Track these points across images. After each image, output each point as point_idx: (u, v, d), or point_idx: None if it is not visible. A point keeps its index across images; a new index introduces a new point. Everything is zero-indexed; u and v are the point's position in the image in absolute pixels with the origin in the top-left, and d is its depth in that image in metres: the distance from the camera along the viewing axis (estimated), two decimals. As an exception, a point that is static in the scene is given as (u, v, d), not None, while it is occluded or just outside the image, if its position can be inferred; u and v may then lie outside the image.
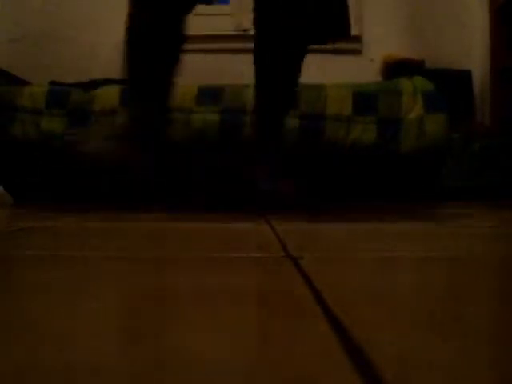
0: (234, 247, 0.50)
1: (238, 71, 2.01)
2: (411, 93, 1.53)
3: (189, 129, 1.52)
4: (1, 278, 0.35)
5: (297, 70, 1.16)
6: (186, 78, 1.95)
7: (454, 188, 1.59)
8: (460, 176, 1.61)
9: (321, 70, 2.05)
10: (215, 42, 2.10)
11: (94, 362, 0.18)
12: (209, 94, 1.55)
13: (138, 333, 0.22)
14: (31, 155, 1.53)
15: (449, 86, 1.81)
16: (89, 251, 0.47)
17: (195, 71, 2.05)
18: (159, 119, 1.12)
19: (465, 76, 2.00)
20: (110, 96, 1.56)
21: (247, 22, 2.13)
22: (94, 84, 1.66)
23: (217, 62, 2.10)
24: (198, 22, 2.17)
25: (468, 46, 2.12)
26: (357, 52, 2.19)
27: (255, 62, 1.16)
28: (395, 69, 1.91)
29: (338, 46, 1.11)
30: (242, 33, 2.11)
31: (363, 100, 1.52)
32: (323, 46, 1.94)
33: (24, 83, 1.69)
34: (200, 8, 2.41)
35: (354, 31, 2.20)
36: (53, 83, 1.75)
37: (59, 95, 1.57)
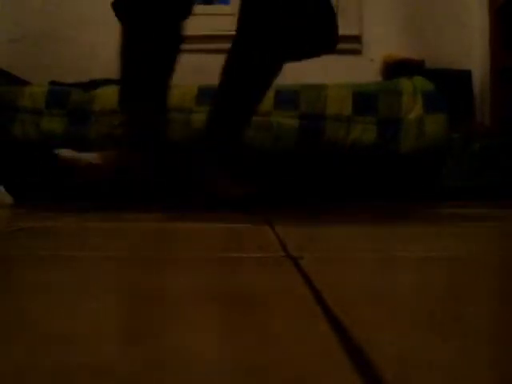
0: (234, 247, 0.50)
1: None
2: (411, 93, 1.53)
3: (189, 129, 1.52)
4: (1, 278, 0.35)
5: (268, 80, 1.14)
6: (186, 78, 1.95)
7: (453, 188, 1.59)
8: (460, 176, 1.61)
9: (321, 70, 2.05)
10: (215, 42, 2.10)
11: (94, 362, 0.18)
12: (209, 94, 1.55)
13: (138, 333, 0.22)
14: (31, 155, 1.53)
15: (449, 86, 1.81)
16: (89, 251, 0.47)
17: (195, 71, 2.05)
18: (157, 119, 1.11)
19: (465, 76, 1.99)
20: (110, 96, 1.56)
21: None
22: (94, 84, 1.66)
23: (217, 62, 2.10)
24: (198, 22, 2.17)
25: (468, 46, 2.12)
26: (357, 52, 2.19)
27: (227, 62, 1.15)
28: (395, 69, 1.90)
29: (337, 46, 1.11)
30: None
31: (363, 100, 1.52)
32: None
33: (24, 83, 1.69)
34: (200, 8, 2.41)
35: (354, 31, 2.20)
36: (53, 83, 1.75)
37: (59, 95, 1.57)
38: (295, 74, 2.09)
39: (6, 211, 1.09)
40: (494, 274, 0.37)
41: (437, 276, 0.35)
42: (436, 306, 0.26)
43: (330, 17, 1.02)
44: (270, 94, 1.57)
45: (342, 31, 1.12)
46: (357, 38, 2.20)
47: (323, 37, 1.04)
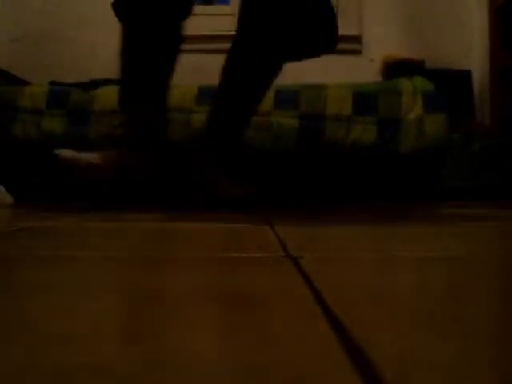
0: (233, 247, 0.50)
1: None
2: (411, 93, 1.53)
3: (189, 129, 1.52)
4: (1, 278, 0.35)
5: (268, 80, 1.13)
6: (186, 78, 1.95)
7: (453, 188, 1.59)
8: (460, 176, 1.61)
9: (321, 70, 2.05)
10: (215, 42, 2.10)
11: (94, 362, 0.18)
12: (209, 94, 1.55)
13: (138, 333, 0.22)
14: (32, 155, 1.53)
15: (448, 86, 1.81)
16: (89, 251, 0.47)
17: (195, 71, 2.05)
18: (157, 119, 1.11)
19: (464, 76, 2.00)
20: (110, 96, 1.56)
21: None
22: (94, 84, 1.66)
23: (217, 62, 2.10)
24: (199, 22, 2.17)
25: (468, 46, 2.13)
26: (357, 52, 2.19)
27: (227, 62, 1.15)
28: (395, 69, 1.90)
29: (337, 46, 1.11)
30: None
31: (363, 100, 1.52)
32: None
33: (24, 83, 1.69)
34: (200, 8, 2.41)
35: (354, 31, 2.20)
36: (53, 83, 1.75)
37: (59, 95, 1.57)
38: (295, 74, 2.09)
39: (6, 211, 1.09)
40: (494, 274, 0.37)
41: (437, 276, 0.35)
42: (436, 305, 0.26)
43: (329, 17, 1.02)
44: (270, 94, 1.57)
45: (341, 31, 1.12)
46: (357, 38, 2.20)
47: (323, 37, 1.04)
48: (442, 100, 1.51)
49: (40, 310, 0.26)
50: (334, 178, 1.51)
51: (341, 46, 1.13)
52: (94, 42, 2.14)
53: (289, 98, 1.56)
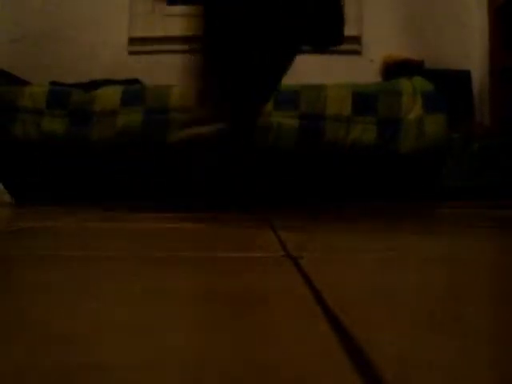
0: (233, 247, 0.50)
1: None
2: (411, 93, 1.53)
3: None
4: (1, 278, 0.35)
5: (273, 78, 1.12)
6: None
7: (453, 188, 1.59)
8: (460, 176, 1.61)
9: (321, 70, 2.05)
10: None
11: (94, 362, 0.18)
12: (209, 95, 1.55)
13: (138, 333, 0.22)
14: (32, 155, 1.54)
15: (448, 86, 1.81)
16: (89, 251, 0.47)
17: (195, 71, 2.05)
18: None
19: (464, 76, 2.00)
20: (110, 96, 1.57)
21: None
22: (95, 84, 1.66)
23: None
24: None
25: (467, 47, 2.13)
26: (357, 52, 2.19)
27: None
28: (395, 69, 1.91)
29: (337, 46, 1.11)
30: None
31: (363, 100, 1.52)
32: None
33: (24, 83, 1.69)
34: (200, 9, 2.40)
35: (354, 31, 2.21)
36: (53, 83, 1.75)
37: (60, 95, 1.57)
38: (295, 74, 2.09)
39: (5, 211, 1.09)
40: (494, 274, 0.37)
41: (437, 276, 0.35)
42: (436, 305, 0.26)
43: (337, 10, 1.02)
44: (270, 94, 1.57)
45: (341, 31, 1.11)
46: (357, 39, 2.20)
47: (331, 30, 1.04)
48: (442, 100, 1.51)
49: (40, 309, 0.26)
50: (334, 178, 1.52)
51: (341, 46, 1.13)
52: (94, 42, 2.14)
53: (289, 98, 1.56)
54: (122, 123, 1.53)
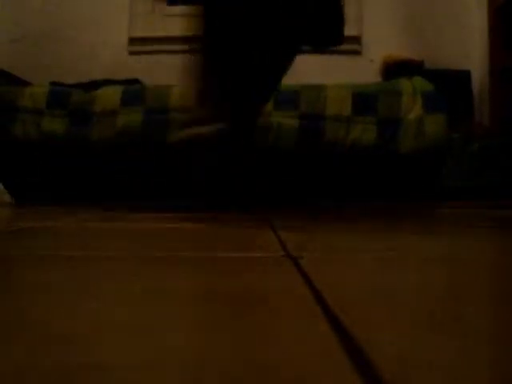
0: (233, 247, 0.50)
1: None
2: (411, 93, 1.53)
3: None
4: (1, 277, 0.35)
5: (274, 77, 1.11)
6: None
7: (454, 188, 1.60)
8: (460, 176, 1.61)
9: (321, 70, 2.06)
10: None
11: (94, 362, 0.18)
12: (209, 95, 1.55)
13: (138, 332, 0.22)
14: (32, 155, 1.54)
15: (448, 86, 1.81)
16: (89, 251, 0.47)
17: (195, 71, 2.05)
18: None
19: (464, 76, 2.00)
20: (110, 97, 1.57)
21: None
22: (95, 84, 1.66)
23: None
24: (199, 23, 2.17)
25: (467, 47, 2.13)
26: (357, 53, 2.20)
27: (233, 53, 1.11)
28: (395, 69, 1.91)
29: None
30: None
31: (363, 100, 1.52)
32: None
33: (24, 83, 1.69)
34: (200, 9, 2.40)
35: (354, 31, 2.21)
36: (53, 83, 1.75)
37: (60, 96, 1.57)
38: (295, 74, 2.09)
39: (6, 211, 1.09)
40: (494, 274, 0.37)
41: (437, 276, 0.35)
42: (436, 305, 0.26)
43: (337, 10, 1.02)
44: (270, 94, 1.57)
45: (341, 31, 1.12)
46: (356, 39, 2.20)
47: (331, 29, 1.04)
48: (442, 100, 1.51)
49: (40, 309, 0.26)
50: (334, 178, 1.52)
51: (340, 46, 1.13)
52: (94, 42, 2.14)
53: (289, 98, 1.56)
54: (122, 123, 1.53)
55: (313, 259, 0.42)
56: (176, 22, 2.21)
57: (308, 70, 2.13)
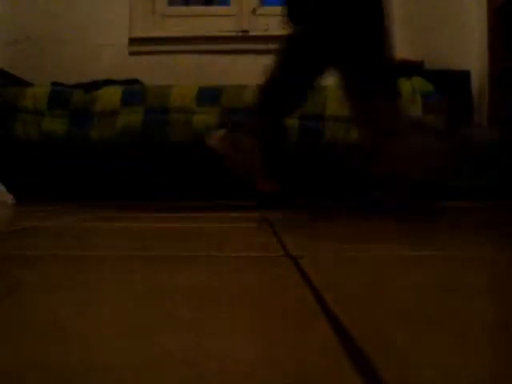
0: (234, 247, 0.50)
1: (238, 72, 2.02)
2: (410, 93, 1.53)
3: (189, 129, 1.52)
4: (1, 277, 0.35)
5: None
6: (186, 78, 1.95)
7: (454, 188, 1.59)
8: (460, 176, 1.61)
9: (320, 70, 2.05)
10: (216, 43, 2.10)
11: (94, 362, 0.18)
12: (209, 95, 1.56)
13: (139, 332, 0.22)
14: (32, 155, 1.54)
15: (447, 86, 1.81)
16: (89, 251, 0.47)
17: (195, 71, 2.06)
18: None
19: (463, 76, 2.00)
20: (111, 97, 1.57)
21: (247, 23, 2.13)
22: (96, 85, 1.67)
23: (217, 63, 2.10)
24: (199, 23, 2.18)
25: (467, 47, 2.13)
26: (356, 52, 2.19)
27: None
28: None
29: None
30: (242, 34, 2.11)
31: (363, 100, 1.52)
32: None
33: (26, 84, 1.70)
34: (200, 9, 2.41)
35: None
36: (54, 84, 1.76)
37: (61, 96, 1.57)
38: (295, 74, 2.08)
39: (8, 211, 1.09)
40: (494, 274, 0.38)
41: (437, 276, 0.35)
42: (435, 305, 0.27)
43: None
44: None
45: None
46: (356, 39, 2.19)
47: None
48: (441, 100, 1.51)
49: (40, 309, 0.26)
50: (334, 178, 1.52)
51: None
52: (95, 43, 2.14)
53: (289, 99, 1.56)
54: (123, 123, 1.53)
55: (313, 259, 0.42)
56: (176, 23, 2.21)
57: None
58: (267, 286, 0.32)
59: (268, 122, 1.14)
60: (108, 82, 1.69)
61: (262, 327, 0.23)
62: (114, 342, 0.21)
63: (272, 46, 2.10)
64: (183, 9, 2.33)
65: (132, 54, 2.20)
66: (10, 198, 1.39)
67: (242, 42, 2.08)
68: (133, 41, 2.20)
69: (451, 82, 1.94)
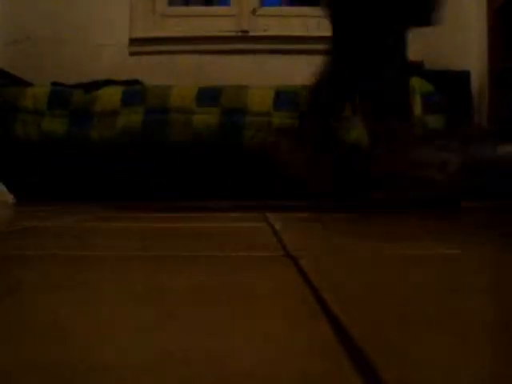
0: (234, 247, 0.50)
1: (238, 72, 2.02)
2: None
3: (189, 129, 1.52)
4: (1, 277, 0.35)
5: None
6: (186, 78, 1.95)
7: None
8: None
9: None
10: (216, 43, 2.10)
11: (94, 361, 0.18)
12: (209, 95, 1.56)
13: (139, 332, 0.22)
14: (32, 155, 1.54)
15: (447, 86, 1.81)
16: (89, 251, 0.47)
17: (195, 71, 2.06)
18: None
19: (463, 77, 2.00)
20: (111, 97, 1.57)
21: (247, 23, 2.13)
22: (96, 85, 1.67)
23: (217, 63, 2.10)
24: (199, 23, 2.18)
25: (466, 47, 2.13)
26: (356, 53, 2.19)
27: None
28: (395, 69, 1.90)
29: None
30: (241, 34, 2.11)
31: (363, 101, 1.52)
32: (321, 47, 1.94)
33: (26, 84, 1.70)
34: (200, 9, 2.41)
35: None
36: (54, 84, 1.76)
37: (61, 96, 1.57)
38: (295, 74, 2.09)
39: (8, 211, 1.10)
40: (494, 274, 0.38)
41: (437, 275, 0.35)
42: (436, 305, 0.27)
43: None
44: (270, 94, 1.57)
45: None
46: (356, 39, 2.19)
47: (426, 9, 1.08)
48: (441, 101, 1.51)
49: (40, 309, 0.26)
50: (334, 178, 1.52)
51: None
52: (96, 43, 2.14)
53: (289, 98, 1.56)
54: (123, 123, 1.53)
55: (313, 259, 0.42)
56: (176, 23, 2.21)
57: (308, 70, 2.12)
58: (267, 285, 0.32)
59: (318, 122, 1.14)
60: (108, 82, 1.69)
61: (262, 327, 0.23)
62: (114, 341, 0.21)
63: (272, 46, 2.10)
64: (183, 9, 2.33)
65: (132, 54, 2.20)
66: (10, 198, 1.39)
67: (241, 42, 2.08)
68: (133, 41, 2.20)
69: (451, 82, 1.94)
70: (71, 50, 2.17)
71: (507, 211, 1.09)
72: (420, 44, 2.14)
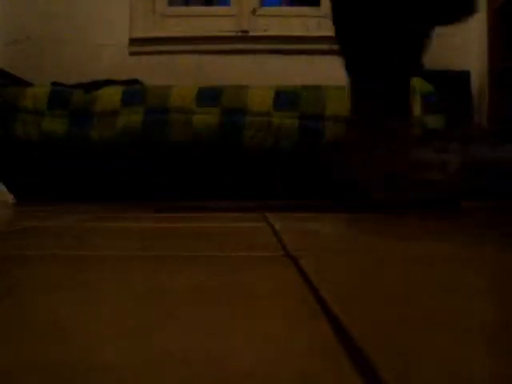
0: (233, 246, 0.50)
1: (238, 72, 2.02)
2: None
3: (189, 129, 1.52)
4: (1, 277, 0.35)
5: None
6: (186, 78, 1.95)
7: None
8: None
9: (321, 70, 2.06)
10: (216, 43, 2.10)
11: (95, 361, 0.18)
12: (209, 95, 1.56)
13: (139, 332, 0.22)
14: (32, 155, 1.54)
15: (447, 86, 1.81)
16: (89, 251, 0.47)
17: (195, 71, 2.06)
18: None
19: (463, 77, 2.00)
20: (111, 97, 1.57)
21: (247, 23, 2.13)
22: (96, 85, 1.67)
23: (217, 63, 2.11)
24: (199, 23, 2.18)
25: (466, 47, 2.13)
26: (356, 53, 2.19)
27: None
28: (395, 69, 1.90)
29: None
30: (241, 34, 2.11)
31: (363, 101, 1.52)
32: (321, 47, 1.95)
33: (26, 84, 1.70)
34: (200, 9, 2.41)
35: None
36: (54, 84, 1.76)
37: (61, 96, 1.58)
38: (295, 74, 2.09)
39: (8, 211, 1.10)
40: (494, 274, 0.38)
41: (437, 275, 0.35)
42: (436, 305, 0.27)
43: None
44: (270, 94, 1.57)
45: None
46: (356, 39, 2.19)
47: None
48: (441, 101, 1.51)
49: (40, 309, 0.26)
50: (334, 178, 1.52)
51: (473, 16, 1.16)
52: (95, 43, 2.14)
53: (289, 98, 1.56)
54: (123, 123, 1.53)
55: (313, 259, 0.42)
56: (176, 23, 2.21)
57: (308, 70, 2.13)
58: (267, 285, 0.32)
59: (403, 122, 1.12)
60: (108, 82, 1.69)
61: (262, 327, 0.23)
62: (114, 341, 0.21)
63: (272, 46, 2.10)
64: (183, 9, 2.33)
65: (132, 54, 2.20)
66: (10, 198, 1.39)
67: (241, 42, 2.08)
68: (133, 41, 2.20)
69: (451, 82, 1.94)
70: (71, 50, 2.17)
71: (507, 211, 1.09)
72: (420, 44, 2.14)
